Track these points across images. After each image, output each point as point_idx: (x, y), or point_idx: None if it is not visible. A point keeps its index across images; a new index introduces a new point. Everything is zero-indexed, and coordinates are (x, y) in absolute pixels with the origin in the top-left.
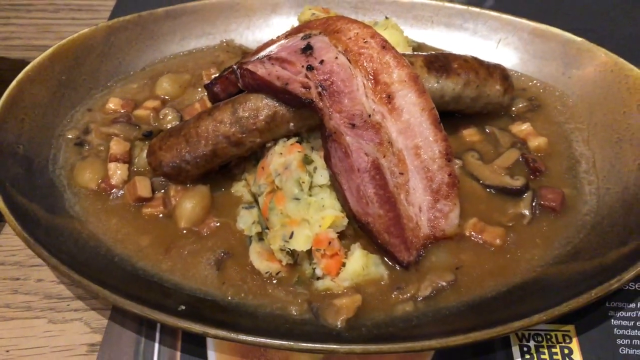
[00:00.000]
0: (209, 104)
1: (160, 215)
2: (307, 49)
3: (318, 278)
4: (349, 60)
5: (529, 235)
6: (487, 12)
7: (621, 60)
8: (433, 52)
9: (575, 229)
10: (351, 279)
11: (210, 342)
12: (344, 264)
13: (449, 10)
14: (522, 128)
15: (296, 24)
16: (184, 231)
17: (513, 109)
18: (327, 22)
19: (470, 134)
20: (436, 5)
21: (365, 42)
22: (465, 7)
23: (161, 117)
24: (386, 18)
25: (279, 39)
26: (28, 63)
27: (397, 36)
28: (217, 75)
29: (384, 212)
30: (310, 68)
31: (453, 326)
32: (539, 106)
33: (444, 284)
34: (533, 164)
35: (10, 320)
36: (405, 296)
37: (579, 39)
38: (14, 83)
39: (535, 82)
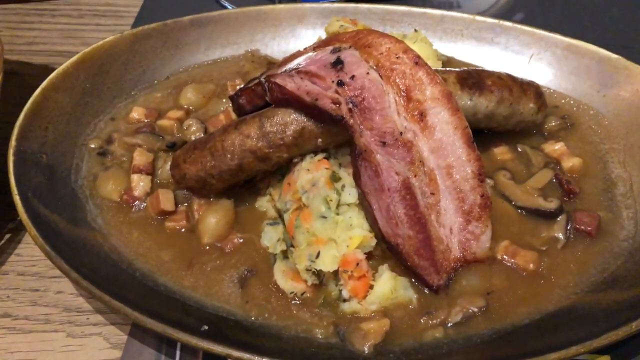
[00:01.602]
0: (233, 116)
1: (183, 229)
2: (338, 63)
3: (344, 300)
4: (380, 76)
5: (563, 261)
6: (519, 26)
7: None
8: (466, 69)
9: (612, 255)
10: (379, 303)
11: None
12: (371, 287)
13: (480, 24)
14: (556, 148)
15: (323, 35)
16: (207, 247)
17: (545, 127)
18: (358, 35)
19: (501, 153)
20: (467, 18)
21: (397, 57)
22: (496, 20)
23: (185, 127)
24: (415, 31)
25: (306, 50)
26: (52, 68)
27: (426, 50)
28: (243, 86)
29: (414, 233)
30: (340, 83)
31: (484, 355)
32: (572, 125)
33: (475, 309)
34: (567, 186)
35: (29, 333)
36: (435, 322)
37: (615, 56)
38: (38, 90)
39: (568, 99)
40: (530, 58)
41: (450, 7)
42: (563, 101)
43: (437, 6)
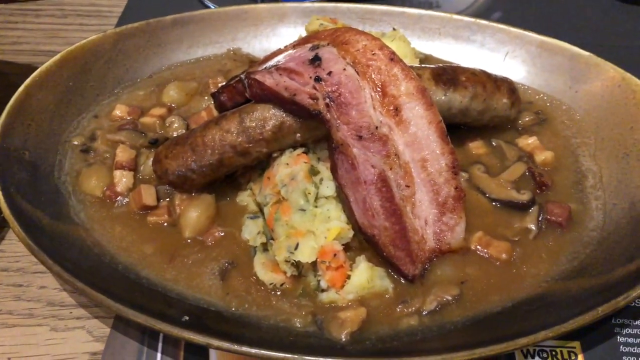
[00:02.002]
0: (215, 113)
1: (165, 223)
2: (315, 60)
3: (322, 290)
4: (357, 72)
5: (534, 250)
6: (494, 24)
7: (629, 75)
8: (441, 65)
9: (582, 244)
10: (356, 292)
11: (213, 353)
12: (348, 277)
13: (457, 22)
14: (529, 142)
15: (303, 33)
16: (189, 240)
17: (519, 122)
18: (335, 33)
19: (476, 147)
20: (444, 17)
21: (373, 54)
22: (472, 19)
23: (167, 124)
24: (394, 29)
25: (286, 48)
26: (35, 68)
27: (404, 48)
28: (224, 84)
29: (389, 224)
30: (318, 79)
31: (458, 341)
32: (545, 120)
33: (449, 298)
34: (539, 178)
35: (12, 327)
36: (410, 310)
37: (586, 53)
38: (21, 88)
39: (542, 95)
40: (505, 55)
41: (429, 6)
42: (537, 97)
43: (417, 6)
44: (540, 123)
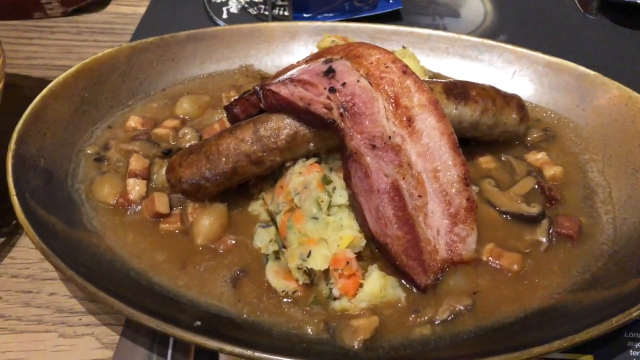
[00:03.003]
0: (228, 125)
1: (177, 231)
2: (329, 72)
3: (335, 298)
4: (370, 83)
5: (546, 262)
6: (502, 44)
7: (635, 94)
8: (452, 80)
9: (593, 257)
10: (368, 301)
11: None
12: (361, 285)
13: (465, 42)
14: (538, 157)
15: (315, 51)
16: (201, 248)
17: (528, 138)
18: (349, 47)
19: (486, 162)
20: (452, 37)
21: (386, 66)
22: (480, 39)
23: (180, 136)
24: (403, 47)
25: (299, 63)
26: (49, 81)
27: (413, 65)
28: (238, 97)
29: (402, 233)
30: (332, 90)
31: (470, 351)
32: (553, 137)
33: (462, 308)
34: (549, 192)
35: (20, 333)
36: (422, 319)
37: (592, 72)
38: (38, 98)
39: (549, 113)
40: (513, 74)
41: (436, 29)
42: (544, 115)
43: (425, 27)
44: (549, 139)
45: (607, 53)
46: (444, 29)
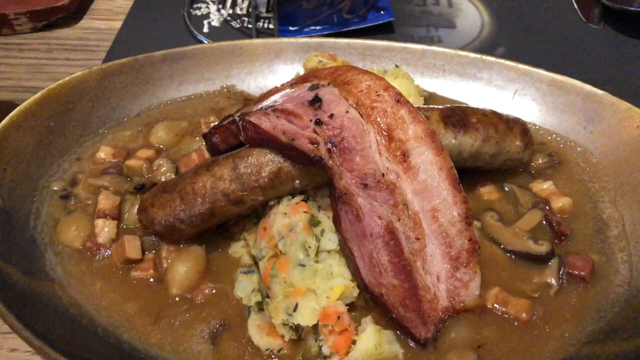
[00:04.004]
0: (206, 155)
1: (151, 279)
2: (316, 101)
3: (325, 357)
4: (360, 114)
5: (557, 309)
6: (502, 61)
7: None
8: (449, 106)
9: (608, 302)
10: (363, 359)
11: None
12: (354, 342)
13: (462, 58)
14: (544, 187)
15: (301, 71)
16: (176, 298)
17: (532, 165)
18: (336, 72)
19: (488, 192)
20: (449, 53)
21: (378, 95)
22: (479, 55)
23: (155, 168)
24: (396, 66)
25: (283, 87)
26: (16, 105)
27: (407, 85)
28: (217, 124)
29: (399, 282)
30: (319, 122)
31: None
32: (560, 163)
33: None
34: (558, 227)
35: None
36: None
37: (600, 92)
38: None
39: (554, 136)
40: (514, 94)
41: (431, 41)
42: (549, 138)
43: (418, 41)
44: (555, 166)
45: (611, 65)
46: (439, 41)
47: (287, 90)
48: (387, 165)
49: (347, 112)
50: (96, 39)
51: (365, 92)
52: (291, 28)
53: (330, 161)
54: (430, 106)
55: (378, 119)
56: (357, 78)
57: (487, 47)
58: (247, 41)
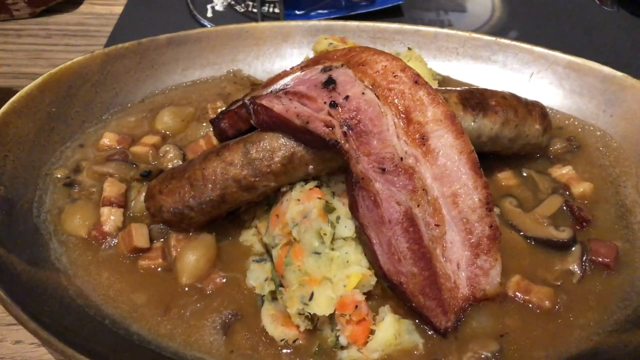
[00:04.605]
0: (214, 141)
1: (159, 268)
2: (330, 83)
3: (342, 347)
4: (377, 96)
5: (580, 297)
6: (517, 43)
7: None
8: (467, 88)
9: (634, 289)
10: (381, 350)
11: None
12: (372, 331)
13: (476, 41)
14: (563, 172)
15: (310, 54)
16: (186, 288)
17: (550, 149)
18: (350, 53)
19: (505, 178)
20: (462, 35)
21: (395, 76)
22: (493, 38)
23: (161, 154)
24: (409, 49)
25: (293, 70)
26: (15, 92)
27: (421, 69)
28: (225, 109)
29: (418, 270)
30: (333, 105)
31: None
32: (579, 147)
33: (489, 355)
34: (579, 213)
35: None
36: None
37: (620, 73)
38: None
39: (572, 120)
40: (530, 77)
41: (441, 25)
42: (567, 122)
43: (428, 24)
44: (574, 151)
45: (626, 49)
46: (450, 25)
47: (298, 73)
48: (406, 148)
49: (363, 93)
50: (96, 24)
51: (382, 73)
52: (297, 12)
53: (347, 145)
54: (448, 88)
55: (395, 101)
56: (372, 59)
57: (498, 31)
58: (253, 24)
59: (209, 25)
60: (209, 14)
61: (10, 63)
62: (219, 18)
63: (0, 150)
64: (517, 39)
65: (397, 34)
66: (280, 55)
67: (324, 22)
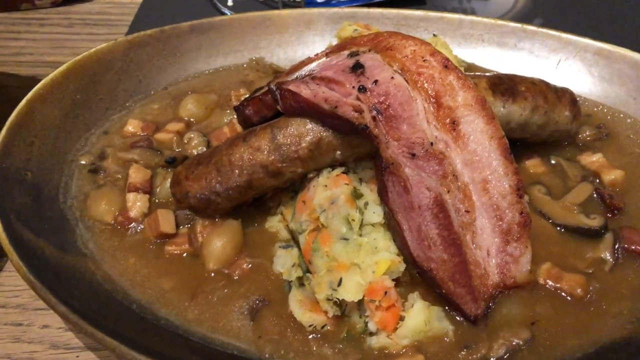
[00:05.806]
0: (238, 128)
1: (185, 254)
2: (358, 67)
3: (371, 334)
4: (406, 80)
5: (613, 285)
6: (544, 30)
7: None
8: (497, 73)
9: None
10: (411, 336)
11: None
12: (402, 318)
13: (502, 28)
14: (593, 159)
15: (334, 42)
16: (213, 273)
17: (579, 137)
18: (377, 38)
19: (534, 165)
20: (487, 22)
21: (424, 60)
22: (519, 24)
23: (185, 141)
24: (434, 36)
25: (317, 57)
26: (38, 80)
27: (446, 56)
28: (249, 96)
29: (448, 256)
30: (362, 89)
31: None
32: (608, 135)
33: (520, 342)
34: (610, 201)
35: None
36: (475, 357)
37: None
38: (23, 102)
39: (601, 107)
40: (557, 64)
41: (464, 13)
42: (596, 109)
43: (451, 12)
44: (603, 138)
45: None
46: (473, 13)
47: (324, 59)
48: (436, 133)
49: (392, 78)
50: (118, 13)
51: (411, 58)
52: (318, 0)
53: (376, 129)
54: (477, 74)
55: (425, 86)
56: (400, 43)
57: (522, 18)
58: (275, 12)
59: (229, 14)
60: (230, 2)
61: (33, 52)
62: (239, 6)
63: (26, 136)
64: (543, 26)
65: (422, 21)
66: (302, 43)
67: (346, 9)
